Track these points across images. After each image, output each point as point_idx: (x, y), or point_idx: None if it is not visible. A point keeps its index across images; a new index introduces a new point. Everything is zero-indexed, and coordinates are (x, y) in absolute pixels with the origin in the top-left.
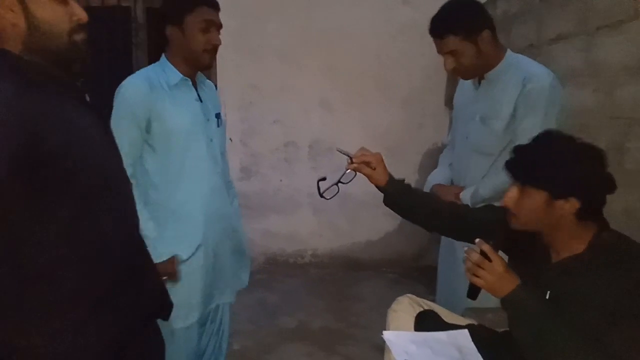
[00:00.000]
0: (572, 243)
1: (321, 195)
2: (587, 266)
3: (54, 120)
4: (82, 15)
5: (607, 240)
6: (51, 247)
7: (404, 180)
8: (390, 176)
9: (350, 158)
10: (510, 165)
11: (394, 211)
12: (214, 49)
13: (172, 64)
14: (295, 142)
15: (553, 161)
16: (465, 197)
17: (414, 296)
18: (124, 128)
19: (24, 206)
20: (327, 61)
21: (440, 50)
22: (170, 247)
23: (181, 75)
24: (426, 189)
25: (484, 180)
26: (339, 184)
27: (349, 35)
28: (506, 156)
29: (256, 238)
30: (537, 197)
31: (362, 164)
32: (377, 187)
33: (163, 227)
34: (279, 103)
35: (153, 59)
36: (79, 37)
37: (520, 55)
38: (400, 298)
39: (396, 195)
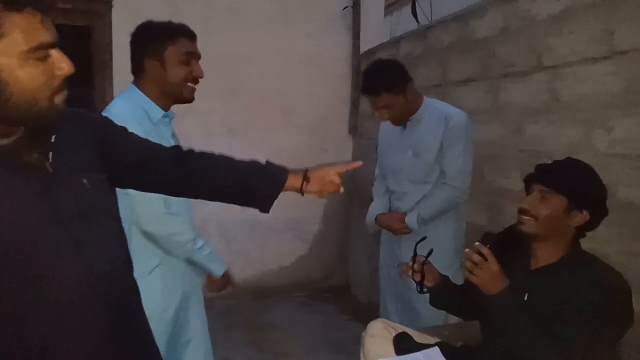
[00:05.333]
0: (554, 253)
1: (421, 291)
2: (558, 273)
3: None
4: (67, 67)
5: (576, 254)
6: None
7: (447, 277)
8: (442, 275)
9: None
10: (541, 173)
11: (441, 308)
12: (196, 82)
13: (148, 97)
14: None
15: (579, 175)
16: (412, 221)
17: (386, 320)
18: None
19: None
20: (230, 86)
21: (375, 106)
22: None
23: (163, 112)
24: (370, 219)
25: (422, 205)
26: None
27: (251, 62)
28: (438, 184)
29: None
30: (558, 203)
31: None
32: (429, 288)
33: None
34: (182, 128)
35: None
36: (61, 97)
37: (433, 99)
38: (374, 322)
39: (447, 291)
